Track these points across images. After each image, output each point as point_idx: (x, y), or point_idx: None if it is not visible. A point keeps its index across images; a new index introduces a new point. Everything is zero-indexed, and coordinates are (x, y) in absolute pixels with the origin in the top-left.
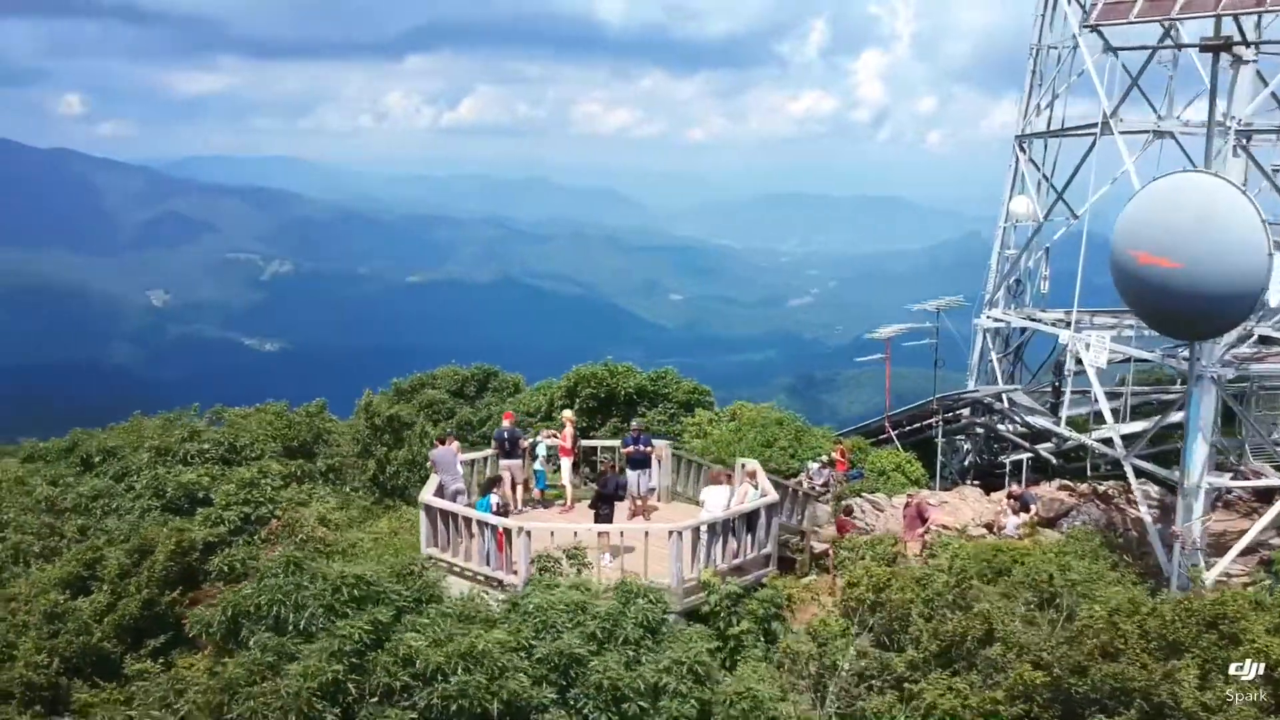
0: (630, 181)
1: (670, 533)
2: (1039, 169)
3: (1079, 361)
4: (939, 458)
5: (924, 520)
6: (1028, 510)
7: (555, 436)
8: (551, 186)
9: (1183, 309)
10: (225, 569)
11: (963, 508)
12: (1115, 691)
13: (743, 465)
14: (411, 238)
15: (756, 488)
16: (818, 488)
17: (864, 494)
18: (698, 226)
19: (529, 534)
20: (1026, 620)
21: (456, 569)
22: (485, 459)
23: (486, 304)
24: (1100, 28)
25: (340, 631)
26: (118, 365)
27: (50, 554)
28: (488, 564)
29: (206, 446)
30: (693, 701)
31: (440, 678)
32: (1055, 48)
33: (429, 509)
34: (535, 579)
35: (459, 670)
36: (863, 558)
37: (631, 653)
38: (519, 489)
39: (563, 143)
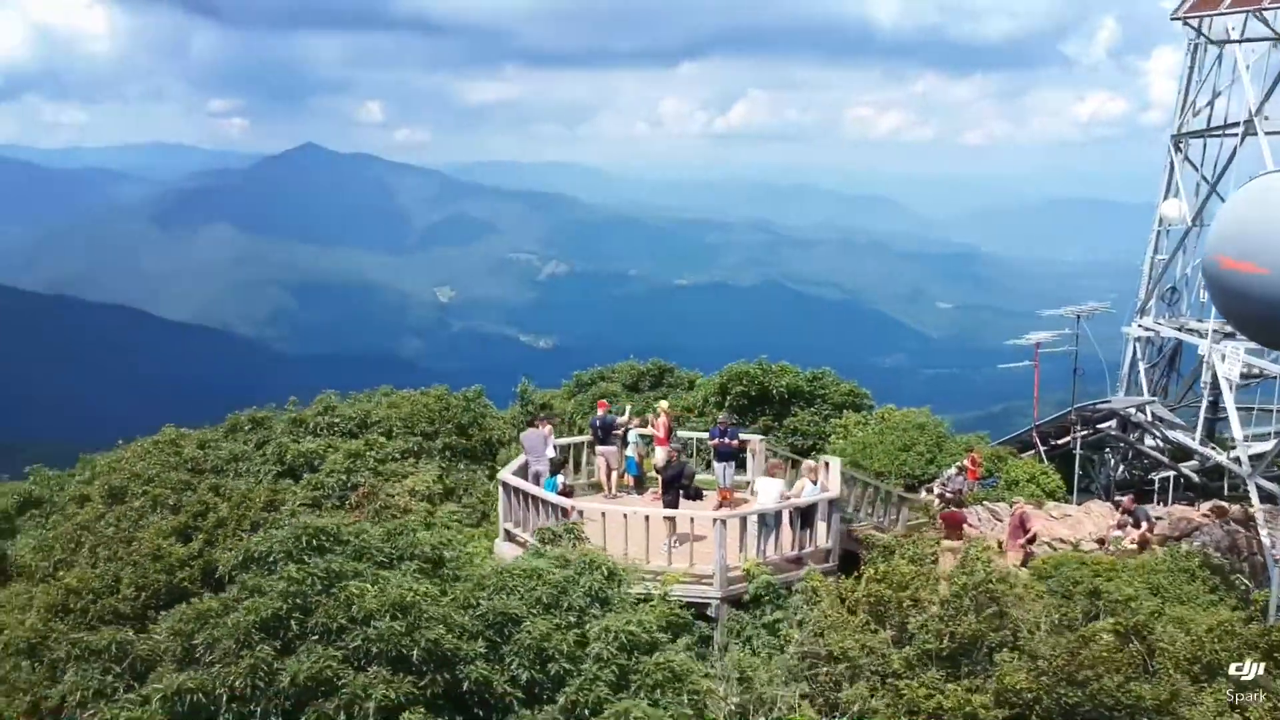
0: (901, 186)
1: (714, 520)
2: (1197, 169)
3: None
4: (1076, 470)
5: (1025, 530)
6: (1138, 526)
7: (646, 425)
8: (820, 191)
9: (1268, 316)
10: None
11: (1085, 521)
12: (1129, 708)
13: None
14: (680, 241)
15: (816, 483)
16: (948, 494)
17: (985, 502)
18: (971, 233)
19: (581, 513)
20: (1058, 630)
21: (528, 544)
22: (582, 444)
23: (750, 307)
24: (1190, 20)
25: (287, 574)
26: (405, 357)
27: (179, 507)
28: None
29: (337, 420)
30: (614, 668)
31: (370, 622)
32: (1216, 42)
33: (505, 486)
34: (532, 548)
35: (387, 617)
36: (887, 557)
37: (573, 619)
38: (613, 474)
39: (832, 147)
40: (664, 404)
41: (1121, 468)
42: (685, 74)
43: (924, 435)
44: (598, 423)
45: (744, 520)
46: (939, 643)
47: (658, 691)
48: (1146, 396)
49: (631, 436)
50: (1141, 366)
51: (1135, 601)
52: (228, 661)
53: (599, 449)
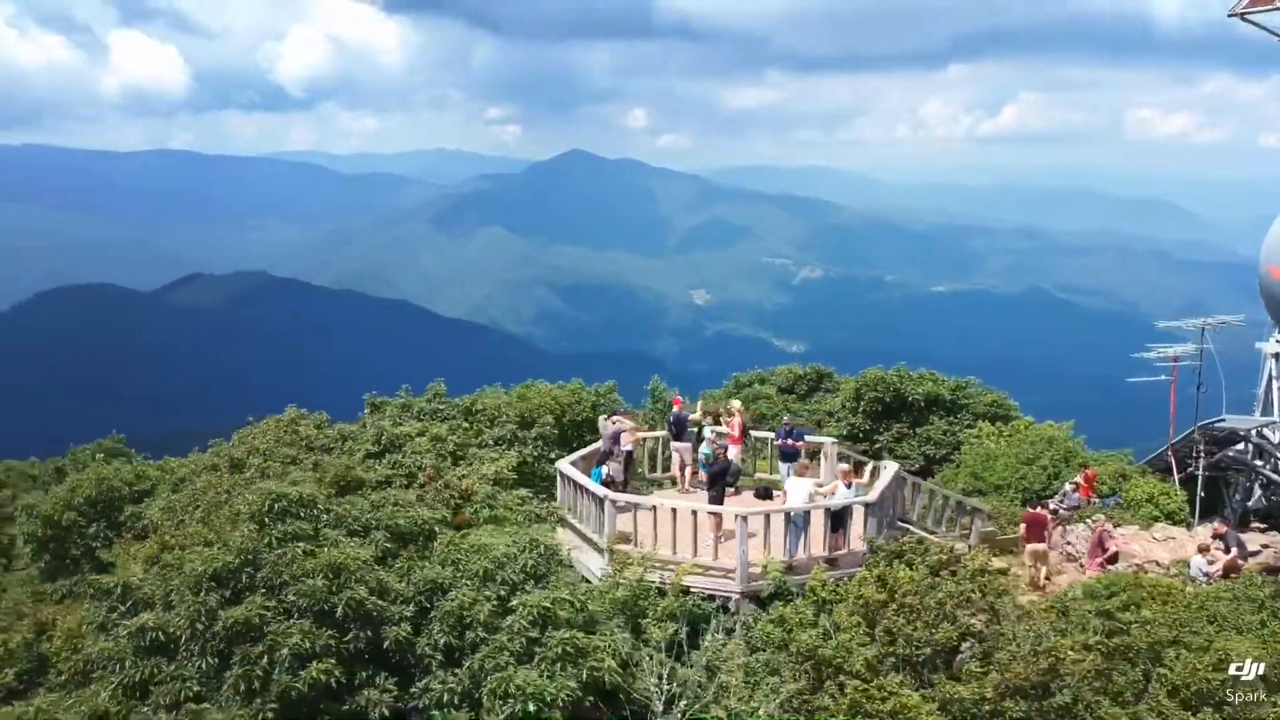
0: (1187, 191)
1: (737, 517)
2: None
3: None
4: (1198, 492)
5: (1104, 549)
6: (1227, 551)
7: (719, 424)
8: (1095, 196)
9: None
10: None
11: (1189, 545)
12: None
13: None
14: (941, 247)
15: (850, 486)
16: (1063, 510)
17: (1086, 520)
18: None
19: (614, 503)
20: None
21: (575, 528)
22: (659, 439)
23: (1010, 316)
24: (1248, 16)
25: (242, 533)
26: (659, 357)
27: (279, 478)
28: (589, 525)
29: (441, 407)
30: (523, 640)
31: (305, 579)
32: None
33: (560, 474)
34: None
35: (319, 577)
36: (888, 564)
37: (504, 592)
38: (687, 469)
39: (1111, 150)
40: (736, 403)
41: (1258, 492)
42: (951, 77)
43: (1051, 449)
44: (672, 420)
45: (768, 517)
46: (909, 648)
47: (557, 665)
48: (1275, 416)
49: (707, 434)
50: (1276, 385)
51: (1152, 625)
52: (185, 606)
53: (674, 444)
